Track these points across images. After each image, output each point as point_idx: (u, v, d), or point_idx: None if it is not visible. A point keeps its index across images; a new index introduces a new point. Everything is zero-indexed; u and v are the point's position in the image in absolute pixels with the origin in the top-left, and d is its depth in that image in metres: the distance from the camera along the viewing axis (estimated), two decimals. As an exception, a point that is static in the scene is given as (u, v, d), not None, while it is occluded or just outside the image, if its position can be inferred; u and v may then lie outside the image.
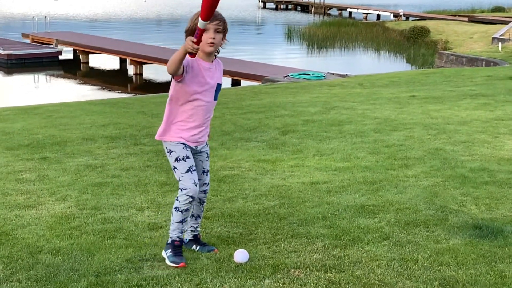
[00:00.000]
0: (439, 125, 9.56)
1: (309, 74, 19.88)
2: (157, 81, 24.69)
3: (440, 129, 9.23)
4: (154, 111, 11.69)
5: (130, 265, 4.34)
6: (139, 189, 6.31)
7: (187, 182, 4.30)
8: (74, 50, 30.29)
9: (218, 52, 4.42)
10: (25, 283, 4.06)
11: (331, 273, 4.20)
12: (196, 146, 4.44)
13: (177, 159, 4.34)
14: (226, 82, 22.19)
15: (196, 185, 4.31)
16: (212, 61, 4.36)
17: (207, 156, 4.57)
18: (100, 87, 23.42)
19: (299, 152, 7.94)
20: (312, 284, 4.04)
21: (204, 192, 4.60)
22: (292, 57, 32.24)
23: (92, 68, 28.40)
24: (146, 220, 5.33)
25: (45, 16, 36.75)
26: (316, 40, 38.19)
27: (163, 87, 23.51)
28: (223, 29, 4.29)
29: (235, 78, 22.25)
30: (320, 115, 10.79)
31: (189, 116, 4.33)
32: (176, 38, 39.23)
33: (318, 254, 4.53)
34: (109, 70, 27.95)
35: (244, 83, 21.72)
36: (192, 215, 4.63)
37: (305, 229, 5.06)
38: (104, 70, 27.98)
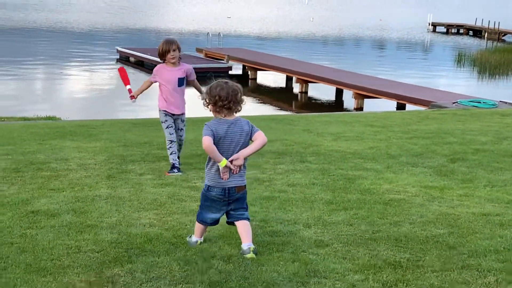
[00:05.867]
0: None
1: (480, 102, 19.16)
2: (322, 100, 24.89)
3: None
4: (319, 130, 11.82)
5: (297, 278, 4.43)
6: (305, 205, 6.42)
7: (167, 134, 7.92)
8: (244, 66, 31.31)
9: (180, 59, 7.94)
10: (199, 286, 4.28)
11: (503, 309, 4.04)
12: (173, 114, 7.92)
13: (161, 121, 7.99)
14: (391, 105, 21.94)
15: (171, 134, 7.89)
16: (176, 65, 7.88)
17: (182, 121, 8.06)
18: (266, 103, 24.01)
19: (469, 182, 7.69)
20: (482, 319, 3.91)
21: (180, 139, 8.12)
22: (461, 83, 31.19)
23: (259, 85, 29.19)
24: (313, 237, 5.41)
25: (219, 33, 38.34)
26: (488, 67, 36.71)
27: (328, 106, 23.68)
28: (177, 48, 7.78)
29: (400, 102, 21.89)
30: (491, 144, 10.39)
31: (162, 94, 7.93)
32: (343, 58, 39.40)
33: (489, 288, 4.38)
34: (275, 87, 28.58)
35: (409, 107, 21.33)
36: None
37: (476, 261, 4.91)
38: (270, 87, 28.65)
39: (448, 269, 4.71)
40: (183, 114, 8.10)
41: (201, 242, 5.16)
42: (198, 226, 5.15)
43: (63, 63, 31.54)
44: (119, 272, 4.54)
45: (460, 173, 8.17)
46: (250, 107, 22.60)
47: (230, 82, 4.99)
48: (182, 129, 8.12)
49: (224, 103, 4.88)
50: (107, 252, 4.94)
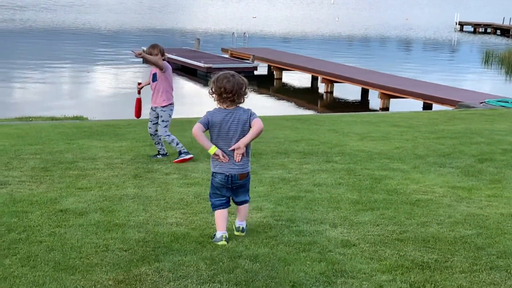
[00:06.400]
0: None
1: (508, 102, 18.96)
2: (348, 100, 24.79)
3: None
4: (345, 130, 11.79)
5: (324, 278, 4.42)
6: (331, 205, 6.41)
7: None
8: (269, 66, 31.31)
9: (159, 65, 8.60)
10: (226, 285, 4.30)
11: (533, 311, 4.00)
12: (155, 107, 8.68)
13: None
14: (417, 105, 21.80)
15: (149, 128, 8.78)
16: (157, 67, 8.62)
17: (158, 116, 8.64)
18: (291, 103, 23.99)
19: (497, 182, 7.62)
20: (512, 321, 3.87)
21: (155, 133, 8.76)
22: (489, 83, 30.91)
23: (284, 84, 29.17)
24: (339, 237, 5.40)
25: (244, 33, 38.40)
26: (517, 66, 36.31)
27: (354, 106, 23.58)
28: (160, 52, 8.58)
29: (426, 101, 21.73)
30: (520, 144, 10.26)
31: None
32: (368, 58, 39.21)
33: (518, 289, 4.33)
34: (300, 87, 28.54)
35: (436, 107, 21.17)
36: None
37: (504, 262, 4.86)
38: (296, 87, 28.62)
39: (476, 270, 4.68)
40: (159, 108, 8.62)
41: (226, 236, 5.18)
42: (216, 216, 5.30)
43: (90, 64, 31.82)
44: (147, 270, 4.57)
45: (488, 173, 8.09)
46: (276, 107, 22.61)
47: (237, 75, 5.22)
48: (158, 123, 8.69)
49: (228, 95, 5.14)
50: (134, 250, 4.98)
